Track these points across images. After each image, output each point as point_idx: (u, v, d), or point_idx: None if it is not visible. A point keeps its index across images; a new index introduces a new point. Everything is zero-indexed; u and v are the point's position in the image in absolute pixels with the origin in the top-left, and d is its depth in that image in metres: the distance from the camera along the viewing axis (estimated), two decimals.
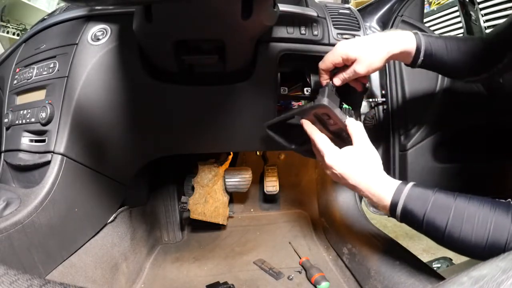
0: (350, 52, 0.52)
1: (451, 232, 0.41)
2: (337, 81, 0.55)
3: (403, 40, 0.53)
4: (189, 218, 0.98)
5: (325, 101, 0.49)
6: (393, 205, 0.46)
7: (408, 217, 0.45)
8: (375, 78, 0.83)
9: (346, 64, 0.54)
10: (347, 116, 0.51)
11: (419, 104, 0.76)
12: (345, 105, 0.56)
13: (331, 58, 0.54)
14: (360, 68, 0.52)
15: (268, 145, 0.73)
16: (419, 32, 0.54)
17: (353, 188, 0.49)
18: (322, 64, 0.56)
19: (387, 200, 0.46)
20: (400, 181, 0.47)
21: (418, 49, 0.53)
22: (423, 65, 0.55)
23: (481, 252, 0.39)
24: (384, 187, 0.47)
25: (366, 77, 0.58)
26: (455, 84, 0.76)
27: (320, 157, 0.53)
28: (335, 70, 0.56)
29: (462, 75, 0.58)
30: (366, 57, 0.52)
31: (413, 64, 0.55)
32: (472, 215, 0.40)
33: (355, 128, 0.50)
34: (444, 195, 0.43)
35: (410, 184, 0.46)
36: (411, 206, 0.44)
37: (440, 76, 0.76)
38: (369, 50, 0.52)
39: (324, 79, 0.57)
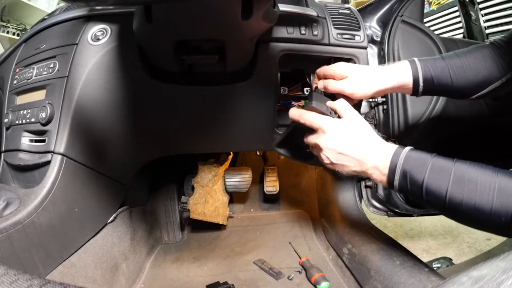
0: (343, 70, 0.53)
1: (453, 196, 0.39)
2: (321, 84, 0.56)
3: (398, 73, 0.53)
4: (189, 218, 0.98)
5: (313, 103, 0.50)
6: (392, 167, 0.44)
7: (406, 181, 0.43)
8: None
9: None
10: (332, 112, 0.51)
11: (419, 104, 0.76)
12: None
13: (326, 68, 0.55)
14: (347, 86, 0.52)
15: (268, 145, 0.73)
16: (416, 59, 0.54)
17: (349, 155, 0.47)
18: (318, 69, 0.57)
19: (385, 163, 0.44)
20: (398, 145, 0.46)
21: (415, 79, 0.53)
22: (427, 92, 0.54)
23: (487, 217, 0.37)
24: (382, 150, 0.45)
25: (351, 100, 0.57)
26: None
27: (314, 136, 0.50)
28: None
29: (472, 92, 0.55)
30: (356, 80, 0.52)
31: (415, 93, 0.54)
32: (474, 177, 0.38)
33: (340, 104, 0.50)
34: (443, 159, 0.42)
35: (408, 147, 0.45)
36: (410, 167, 0.42)
37: None
38: (362, 76, 0.52)
39: (315, 82, 0.59)
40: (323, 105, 0.51)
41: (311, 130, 0.51)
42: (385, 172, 0.45)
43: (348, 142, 0.46)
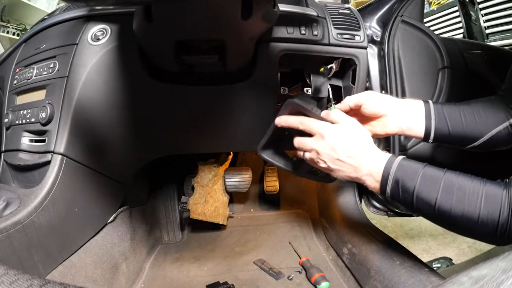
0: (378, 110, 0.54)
1: (442, 204, 0.41)
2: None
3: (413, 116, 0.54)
4: (189, 218, 0.97)
5: (294, 99, 0.50)
6: (385, 175, 0.45)
7: (398, 188, 0.44)
8: (375, 78, 0.83)
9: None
10: (320, 110, 0.50)
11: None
12: (332, 107, 0.56)
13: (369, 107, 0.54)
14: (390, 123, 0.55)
15: None
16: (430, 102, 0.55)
17: (347, 162, 0.47)
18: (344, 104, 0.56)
19: (379, 170, 0.46)
20: (391, 154, 0.47)
21: (428, 119, 0.54)
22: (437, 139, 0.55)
23: (474, 225, 0.39)
24: (376, 158, 0.47)
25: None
26: (454, 83, 0.76)
27: (311, 141, 0.50)
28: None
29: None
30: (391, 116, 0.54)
31: (425, 139, 0.55)
32: (462, 186, 0.40)
33: (335, 112, 0.50)
34: (434, 169, 0.43)
35: (400, 157, 0.46)
36: (402, 175, 0.44)
37: (440, 75, 0.76)
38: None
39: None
40: (308, 105, 0.50)
41: (305, 134, 0.51)
42: (378, 179, 0.46)
43: (346, 149, 0.47)
